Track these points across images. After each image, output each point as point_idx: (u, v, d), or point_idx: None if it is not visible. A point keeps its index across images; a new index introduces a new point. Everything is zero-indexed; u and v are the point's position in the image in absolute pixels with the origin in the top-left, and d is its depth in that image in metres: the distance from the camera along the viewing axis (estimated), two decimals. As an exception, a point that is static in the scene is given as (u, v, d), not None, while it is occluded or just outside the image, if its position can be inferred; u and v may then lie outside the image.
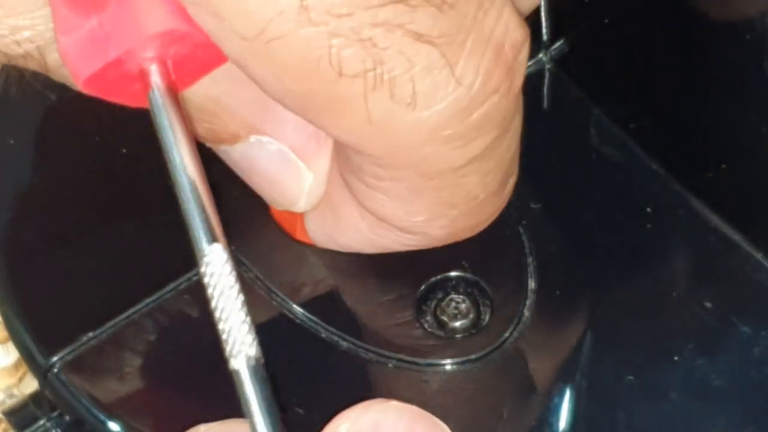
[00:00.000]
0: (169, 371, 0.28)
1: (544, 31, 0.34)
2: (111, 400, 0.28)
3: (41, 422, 0.29)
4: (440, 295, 0.30)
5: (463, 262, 0.30)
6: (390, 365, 0.28)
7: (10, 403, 0.30)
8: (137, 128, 0.32)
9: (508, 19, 0.24)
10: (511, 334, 0.29)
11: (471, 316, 0.29)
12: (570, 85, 0.33)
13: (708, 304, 0.29)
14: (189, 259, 0.30)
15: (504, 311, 0.29)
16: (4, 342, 0.38)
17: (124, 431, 0.28)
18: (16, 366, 0.38)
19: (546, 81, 0.33)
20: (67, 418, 0.29)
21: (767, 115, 0.31)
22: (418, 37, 0.23)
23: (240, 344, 0.23)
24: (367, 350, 0.29)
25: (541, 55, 0.34)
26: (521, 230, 0.31)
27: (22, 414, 0.29)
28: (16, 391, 0.37)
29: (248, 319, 0.23)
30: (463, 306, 0.29)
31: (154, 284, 0.30)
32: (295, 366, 0.29)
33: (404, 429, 0.25)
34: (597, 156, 0.32)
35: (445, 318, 0.29)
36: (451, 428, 0.26)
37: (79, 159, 0.32)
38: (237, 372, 0.22)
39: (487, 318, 0.29)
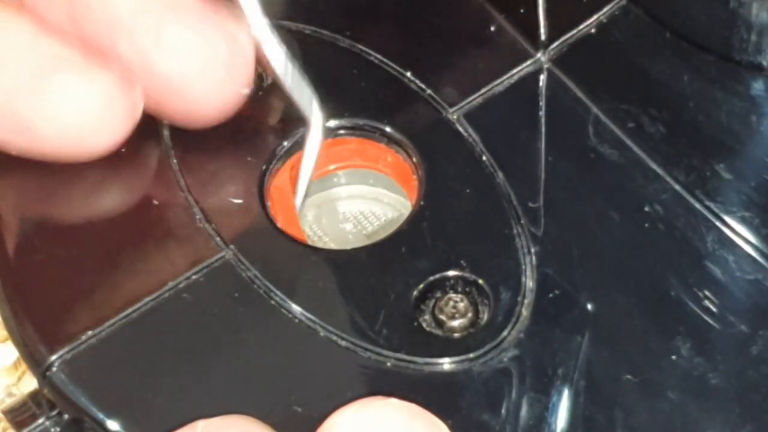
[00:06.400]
0: (168, 370, 0.28)
1: (542, 31, 0.34)
2: (110, 399, 0.28)
3: (40, 421, 0.29)
4: (438, 294, 0.30)
5: (462, 261, 0.30)
6: (388, 364, 0.28)
7: (9, 401, 0.30)
8: (136, 130, 0.32)
9: None
10: (509, 333, 0.29)
11: (469, 315, 0.29)
12: (568, 84, 0.33)
13: (706, 304, 0.29)
14: (189, 259, 0.30)
15: (502, 310, 0.29)
16: (3, 341, 0.38)
17: (123, 430, 0.28)
18: (15, 365, 0.38)
19: (544, 81, 0.33)
20: (67, 416, 0.29)
21: (765, 114, 0.31)
22: None
23: None
24: (365, 349, 0.29)
25: (539, 54, 0.34)
26: (519, 229, 0.31)
27: (21, 412, 0.29)
28: (15, 390, 0.37)
29: None
30: (461, 305, 0.29)
31: (153, 284, 0.30)
32: (293, 365, 0.29)
33: (403, 426, 0.25)
34: (595, 155, 0.32)
35: (443, 317, 0.29)
36: (449, 427, 0.26)
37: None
38: None
39: (485, 317, 0.29)
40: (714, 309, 0.29)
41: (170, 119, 0.31)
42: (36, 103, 0.29)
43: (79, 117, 0.29)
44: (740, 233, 0.31)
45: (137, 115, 0.30)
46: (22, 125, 0.29)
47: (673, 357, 0.29)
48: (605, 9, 0.34)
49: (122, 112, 0.30)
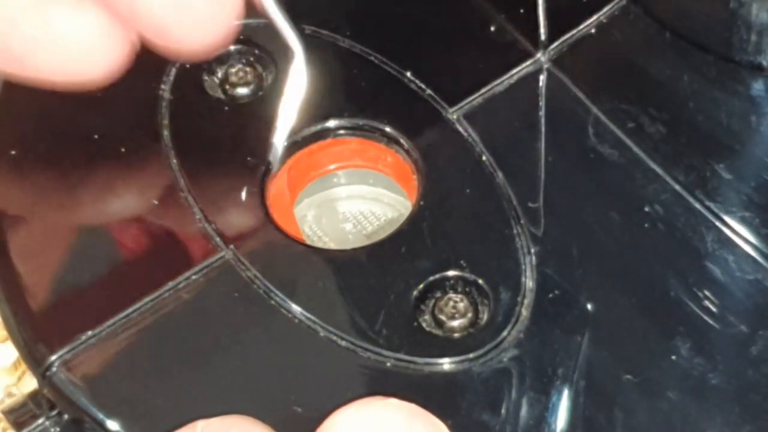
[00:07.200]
0: (168, 370, 0.28)
1: (542, 31, 0.34)
2: (110, 399, 0.28)
3: (40, 421, 0.29)
4: (438, 294, 0.30)
5: (462, 262, 0.30)
6: (388, 364, 0.28)
7: (9, 401, 0.30)
8: (136, 130, 0.32)
9: None
10: (509, 333, 0.29)
11: (469, 315, 0.29)
12: (568, 84, 0.33)
13: (706, 304, 0.29)
14: (188, 259, 0.30)
15: (502, 310, 0.29)
16: (3, 341, 0.38)
17: (123, 430, 0.28)
18: (15, 365, 0.38)
19: (544, 81, 0.33)
20: (66, 416, 0.29)
21: (765, 114, 0.31)
22: None
23: None
24: (365, 349, 0.29)
25: (539, 55, 0.34)
26: (519, 230, 0.31)
27: (21, 412, 0.29)
28: (15, 390, 0.37)
29: None
30: (461, 305, 0.29)
31: (153, 284, 0.30)
32: (294, 365, 0.29)
33: (402, 426, 0.25)
34: (595, 155, 0.32)
35: (443, 317, 0.29)
36: (448, 427, 0.26)
37: (79, 159, 0.32)
38: None
39: (485, 317, 0.29)
40: (714, 309, 0.29)
41: (160, 52, 0.31)
42: (31, 32, 0.29)
43: (74, 45, 0.29)
44: (740, 233, 0.31)
45: (134, 44, 0.30)
46: (18, 53, 0.29)
47: (673, 357, 0.29)
48: (605, 9, 0.34)
49: (118, 42, 0.30)
